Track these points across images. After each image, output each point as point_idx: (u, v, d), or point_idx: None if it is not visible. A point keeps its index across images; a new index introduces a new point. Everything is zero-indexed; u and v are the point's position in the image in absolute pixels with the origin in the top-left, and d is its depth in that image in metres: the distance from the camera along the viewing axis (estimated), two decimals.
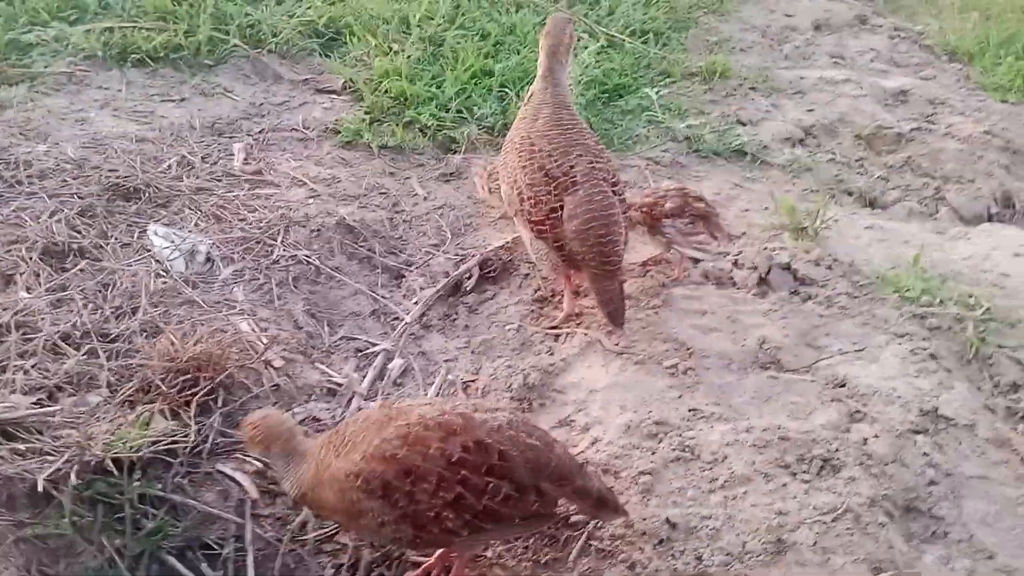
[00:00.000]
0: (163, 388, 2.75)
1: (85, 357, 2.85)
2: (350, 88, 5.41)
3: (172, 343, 2.84)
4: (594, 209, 3.41)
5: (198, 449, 2.68)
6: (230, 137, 4.79)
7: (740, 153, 5.41)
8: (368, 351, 3.48)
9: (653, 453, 2.82)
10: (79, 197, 3.75)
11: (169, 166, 4.29)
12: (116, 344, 2.95)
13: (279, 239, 3.82)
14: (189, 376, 2.81)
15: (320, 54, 5.73)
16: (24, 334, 2.90)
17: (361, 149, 4.81)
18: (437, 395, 3.28)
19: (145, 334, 3.02)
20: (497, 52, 5.83)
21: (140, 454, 2.48)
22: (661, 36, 6.73)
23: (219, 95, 5.20)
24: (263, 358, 3.09)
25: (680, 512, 2.61)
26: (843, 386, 3.19)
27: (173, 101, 5.04)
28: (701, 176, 5.10)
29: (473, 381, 3.32)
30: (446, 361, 3.47)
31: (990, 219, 5.25)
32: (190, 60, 5.37)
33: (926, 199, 5.32)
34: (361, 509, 2.32)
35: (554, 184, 3.43)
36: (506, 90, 5.38)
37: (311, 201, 4.17)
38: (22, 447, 2.46)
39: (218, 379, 2.87)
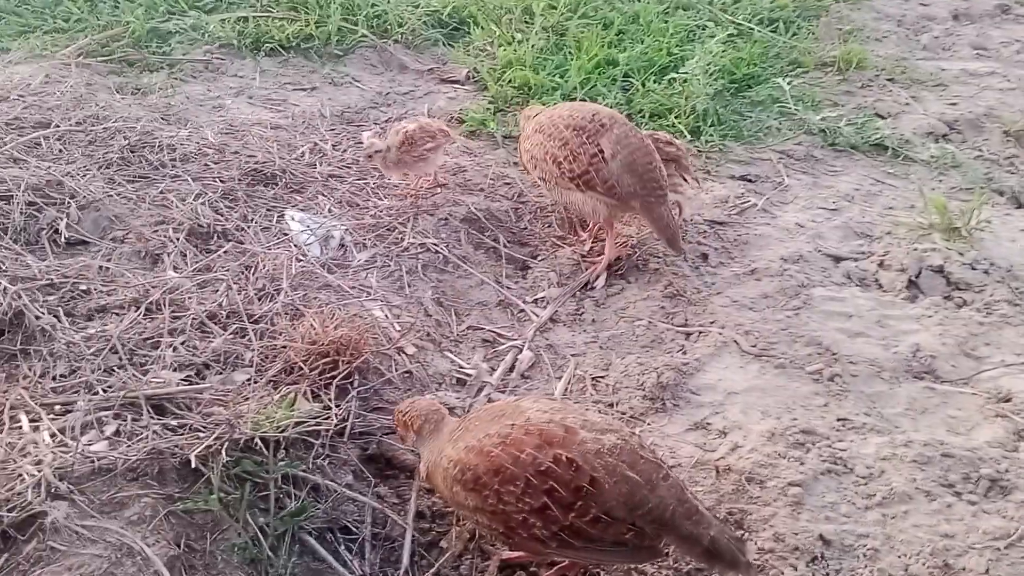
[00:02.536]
0: (305, 370, 2.78)
1: (232, 336, 2.91)
2: (474, 78, 5.40)
3: (314, 326, 2.86)
4: (632, 143, 3.66)
5: (339, 431, 2.70)
6: (358, 126, 4.85)
7: (880, 147, 5.12)
8: (495, 342, 3.44)
9: (801, 463, 2.67)
10: (221, 181, 3.85)
11: (302, 153, 4.37)
12: (260, 325, 3.00)
13: (408, 227, 3.83)
14: (329, 359, 2.83)
15: (444, 44, 5.75)
16: (173, 312, 2.98)
17: (485, 139, 4.78)
18: (565, 390, 3.21)
19: (287, 316, 3.06)
20: (620, 41, 5.71)
21: (285, 434, 2.51)
22: (791, 25, 6.48)
23: (347, 84, 5.28)
24: (397, 345, 3.09)
25: (834, 528, 2.45)
26: (1008, 401, 2.96)
27: (304, 90, 5.14)
28: (838, 171, 4.86)
29: (603, 377, 3.24)
30: (574, 355, 3.40)
31: None
32: (320, 50, 5.47)
33: None
34: (456, 497, 2.34)
35: (585, 133, 3.66)
36: (631, 79, 5.26)
37: (438, 190, 4.16)
38: (173, 422, 2.53)
39: (355, 363, 2.87)
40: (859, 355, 3.23)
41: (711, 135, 4.89)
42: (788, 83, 5.53)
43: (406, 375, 3.04)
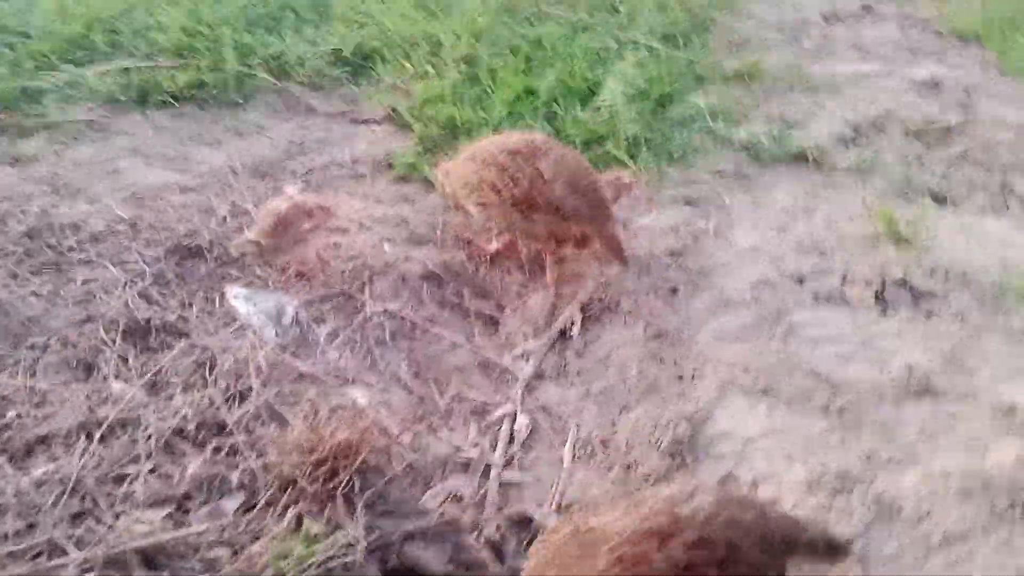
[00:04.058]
0: (305, 485, 2.43)
1: (208, 455, 2.51)
2: (392, 117, 5.10)
3: (305, 432, 2.51)
4: (570, 165, 3.60)
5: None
6: (275, 180, 4.46)
7: (801, 158, 5.19)
8: (485, 411, 3.18)
9: (850, 514, 2.57)
10: (145, 263, 3.40)
11: (224, 218, 3.95)
12: (235, 437, 2.62)
13: (366, 292, 3.51)
14: (327, 467, 2.50)
15: (350, 83, 5.42)
16: (131, 434, 2.55)
17: (418, 182, 4.50)
18: (573, 456, 3.00)
19: (261, 420, 2.69)
20: (531, 69, 5.56)
21: (308, 574, 2.16)
22: (687, 39, 6.55)
23: (253, 134, 4.87)
24: (396, 439, 2.77)
25: None
26: (1014, 413, 2.97)
27: (207, 144, 4.70)
28: (770, 186, 4.88)
29: (611, 438, 3.04)
30: (571, 416, 3.18)
31: None
32: (216, 98, 5.03)
33: (994, 193, 5.13)
34: None
35: (522, 156, 3.56)
36: (555, 110, 5.11)
37: (386, 246, 3.85)
38: None
39: (354, 466, 2.55)
40: (858, 381, 3.19)
41: (647, 160, 4.80)
42: (704, 100, 5.54)
43: (407, 469, 2.74)
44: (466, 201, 3.77)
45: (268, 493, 2.41)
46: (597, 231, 3.62)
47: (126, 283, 3.22)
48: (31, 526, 2.22)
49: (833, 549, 2.28)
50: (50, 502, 2.27)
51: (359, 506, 2.49)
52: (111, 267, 3.33)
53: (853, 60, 7.03)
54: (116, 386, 2.73)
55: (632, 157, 4.79)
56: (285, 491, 2.44)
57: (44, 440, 2.51)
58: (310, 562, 2.15)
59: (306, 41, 5.53)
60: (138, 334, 3.01)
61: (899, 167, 5.21)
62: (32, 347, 2.94)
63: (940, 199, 4.99)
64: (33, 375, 2.79)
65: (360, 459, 2.57)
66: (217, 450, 2.55)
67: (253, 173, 4.48)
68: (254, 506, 2.39)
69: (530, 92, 5.24)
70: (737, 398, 3.15)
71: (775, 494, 2.69)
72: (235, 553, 2.20)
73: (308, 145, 4.83)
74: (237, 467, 2.49)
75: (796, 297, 3.74)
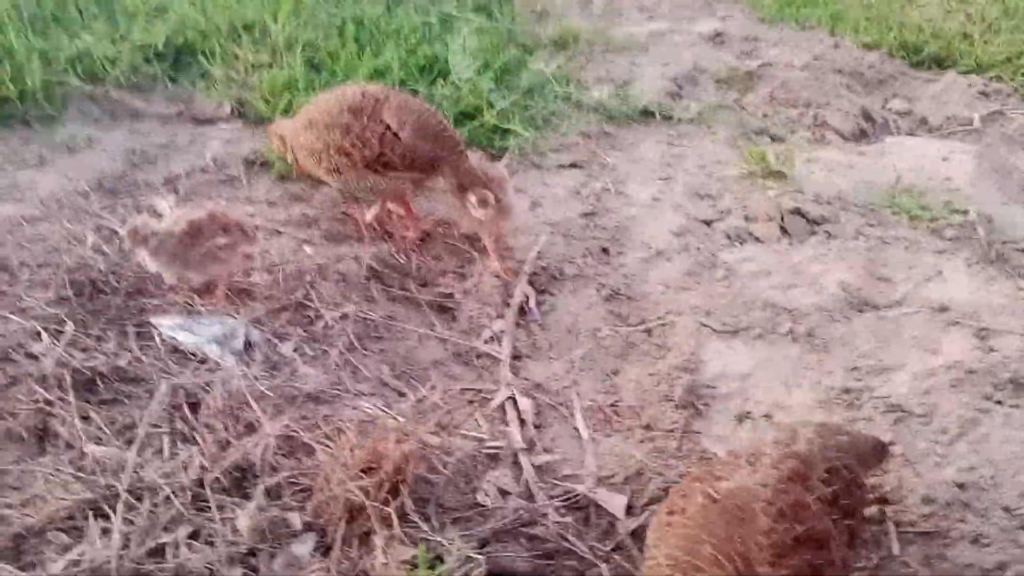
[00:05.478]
0: (377, 508, 2.15)
1: (252, 505, 2.15)
2: (239, 112, 4.62)
3: (363, 452, 2.23)
4: (416, 109, 3.59)
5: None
6: (132, 196, 3.89)
7: (646, 113, 5.44)
8: (481, 401, 3.03)
9: (873, 421, 2.77)
10: (46, 306, 2.81)
11: (99, 244, 3.39)
12: (263, 477, 2.26)
13: (314, 299, 3.18)
14: (389, 484, 2.24)
15: (171, 79, 4.84)
16: (147, 500, 2.11)
17: (300, 180, 4.12)
18: (586, 426, 2.95)
19: (283, 452, 2.35)
20: (363, 49, 5.30)
21: None
22: (496, 10, 6.59)
23: (82, 148, 4.22)
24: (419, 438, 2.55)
25: (955, 472, 2.60)
26: (947, 310, 3.35)
27: (31, 166, 4.00)
28: (633, 142, 5.07)
29: (618, 401, 3.03)
30: (565, 388, 3.13)
31: (862, 135, 5.77)
32: (23, 113, 4.27)
33: (810, 126, 5.71)
34: None
35: (364, 114, 3.49)
36: (414, 87, 4.91)
37: (308, 249, 3.52)
38: None
39: (404, 479, 2.32)
40: (805, 305, 3.43)
41: (520, 129, 4.78)
42: (547, 66, 5.62)
43: (451, 473, 2.54)
44: (316, 171, 3.61)
45: (341, 529, 2.11)
46: (456, 172, 3.59)
47: (56, 334, 2.64)
48: None
49: (883, 450, 2.48)
50: None
51: (431, 518, 2.27)
52: (12, 317, 2.72)
53: (642, 20, 7.44)
54: (96, 450, 2.24)
55: (506, 129, 4.75)
56: (354, 520, 2.16)
57: (38, 534, 2.01)
58: None
59: (108, 37, 4.84)
60: (85, 387, 2.49)
61: (726, 114, 5.62)
62: None
63: (773, 137, 5.47)
64: None
65: (411, 472, 2.34)
66: (263, 494, 2.19)
67: (103, 192, 3.89)
68: (330, 544, 2.09)
69: (379, 73, 5.00)
70: (714, 341, 3.26)
71: (793, 419, 2.83)
72: None
73: (151, 153, 4.26)
74: (293, 508, 2.16)
75: (714, 239, 3.94)
